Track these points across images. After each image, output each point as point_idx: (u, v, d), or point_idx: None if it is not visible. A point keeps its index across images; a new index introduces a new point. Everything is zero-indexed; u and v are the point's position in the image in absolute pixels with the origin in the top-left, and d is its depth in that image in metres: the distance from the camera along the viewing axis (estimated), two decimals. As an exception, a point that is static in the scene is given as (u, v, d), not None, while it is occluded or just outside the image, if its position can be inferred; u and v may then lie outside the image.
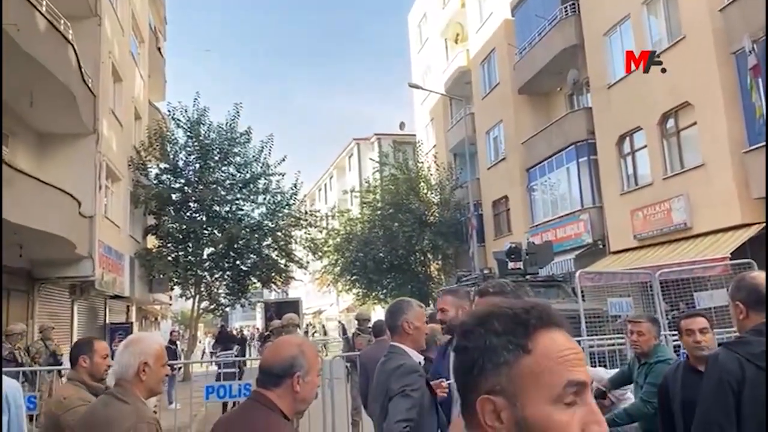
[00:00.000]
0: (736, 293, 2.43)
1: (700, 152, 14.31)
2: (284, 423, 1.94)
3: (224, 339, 14.63)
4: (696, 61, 14.09)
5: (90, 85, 13.96)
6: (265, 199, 21.58)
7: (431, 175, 27.61)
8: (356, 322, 10.25)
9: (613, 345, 8.30)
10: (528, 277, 13.87)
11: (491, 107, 24.68)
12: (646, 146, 16.17)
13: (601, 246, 17.84)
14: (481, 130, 25.50)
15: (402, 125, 43.71)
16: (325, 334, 38.12)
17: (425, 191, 26.98)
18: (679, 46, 14.79)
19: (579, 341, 8.28)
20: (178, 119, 20.81)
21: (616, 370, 4.98)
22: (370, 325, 9.55)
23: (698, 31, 14.14)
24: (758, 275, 2.44)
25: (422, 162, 28.35)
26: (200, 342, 32.15)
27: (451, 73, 28.27)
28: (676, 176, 15.06)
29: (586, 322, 8.83)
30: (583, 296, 10.22)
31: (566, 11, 19.25)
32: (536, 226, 20.90)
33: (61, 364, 10.13)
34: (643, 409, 4.05)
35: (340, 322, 39.54)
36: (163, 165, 20.99)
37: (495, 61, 24.52)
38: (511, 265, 13.87)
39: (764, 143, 12.01)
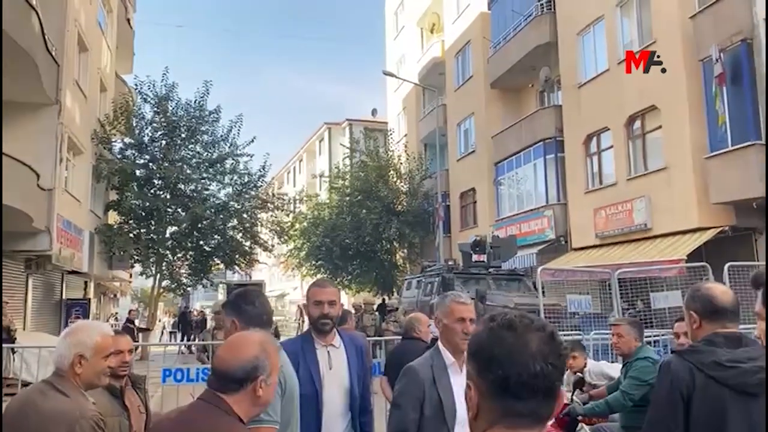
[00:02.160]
0: (691, 303, 2.49)
1: (663, 156, 14.66)
2: (236, 426, 1.73)
3: (185, 325, 14.46)
4: (665, 66, 14.37)
5: (54, 54, 13.48)
6: (231, 179, 21.30)
7: (401, 164, 27.64)
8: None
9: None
10: (491, 270, 14.09)
11: (463, 99, 24.78)
12: (612, 147, 16.48)
13: (563, 242, 18.17)
14: (453, 122, 25.60)
15: (374, 112, 43.57)
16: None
17: (394, 180, 27.02)
18: (650, 51, 15.04)
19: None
20: (146, 94, 20.32)
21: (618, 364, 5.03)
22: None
23: (668, 37, 14.42)
24: (713, 287, 2.51)
25: (393, 150, 28.34)
26: (159, 321, 31.69)
27: (426, 63, 28.26)
28: (640, 178, 15.40)
29: (545, 317, 9.00)
30: (543, 291, 10.43)
31: (542, 8, 19.39)
32: (501, 219, 21.16)
33: (14, 341, 9.87)
34: (621, 401, 4.21)
35: (299, 306, 39.45)
36: (127, 140, 20.49)
37: (470, 54, 24.59)
38: (475, 257, 14.06)
39: (726, 149, 12.40)
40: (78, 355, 2.32)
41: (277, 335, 9.73)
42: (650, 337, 7.97)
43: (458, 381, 2.56)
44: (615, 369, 5.10)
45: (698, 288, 2.53)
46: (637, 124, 15.82)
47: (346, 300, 35.91)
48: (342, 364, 3.03)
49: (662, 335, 8.45)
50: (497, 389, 1.11)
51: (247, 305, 2.50)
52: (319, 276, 29.32)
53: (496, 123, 22.04)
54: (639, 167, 15.68)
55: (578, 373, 5.18)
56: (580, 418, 4.55)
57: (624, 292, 10.17)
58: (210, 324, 17.98)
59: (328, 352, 3.01)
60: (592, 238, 16.72)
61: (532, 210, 19.50)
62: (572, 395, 4.90)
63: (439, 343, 2.72)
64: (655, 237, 14.62)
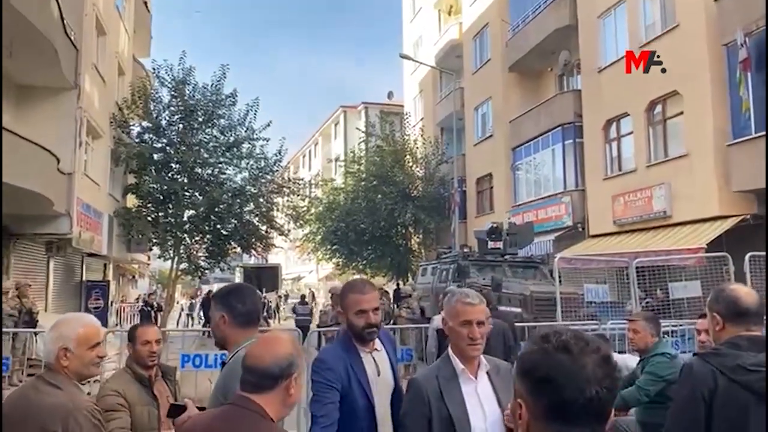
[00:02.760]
0: (714, 304, 2.45)
1: (684, 142, 14.42)
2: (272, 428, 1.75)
3: (207, 308, 14.57)
4: (687, 50, 14.08)
5: (72, 38, 13.55)
6: (248, 164, 21.33)
7: (417, 148, 27.50)
8: (331, 295, 10.23)
9: (587, 331, 8.42)
10: (507, 257, 14.02)
11: (481, 83, 24.52)
12: (632, 132, 16.24)
13: (580, 229, 18.03)
14: (470, 106, 25.37)
15: (390, 95, 43.34)
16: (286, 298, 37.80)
17: (410, 164, 26.90)
18: (672, 34, 14.76)
19: (553, 325, 8.44)
20: (163, 77, 20.35)
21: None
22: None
23: (692, 20, 14.10)
24: (737, 288, 2.47)
25: (409, 134, 28.19)
26: (177, 302, 32.08)
27: (443, 46, 27.96)
28: (660, 164, 15.18)
29: (561, 305, 8.97)
30: (560, 279, 10.37)
31: (562, -10, 19.04)
32: (518, 205, 21.02)
33: (36, 323, 10.07)
34: (636, 396, 4.20)
35: (310, 289, 39.71)
36: (145, 123, 20.57)
37: (487, 37, 24.27)
38: (491, 244, 14.00)
39: (749, 137, 12.15)
40: (62, 348, 2.33)
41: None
42: (668, 327, 7.92)
43: (470, 390, 2.35)
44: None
45: (722, 289, 2.49)
46: (658, 109, 15.55)
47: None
48: (387, 367, 2.82)
49: (680, 326, 8.39)
50: (551, 413, 1.09)
51: (238, 303, 2.53)
52: (334, 260, 29.47)
53: (514, 107, 21.81)
54: (659, 154, 15.45)
55: None
56: None
57: (642, 281, 10.08)
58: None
59: (374, 358, 2.77)
60: (610, 225, 16.56)
61: (549, 196, 19.34)
62: None
63: (450, 348, 2.46)
64: (675, 225, 14.44)
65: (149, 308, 16.88)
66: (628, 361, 5.11)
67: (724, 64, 13.01)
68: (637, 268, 9.74)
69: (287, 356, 1.81)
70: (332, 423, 2.49)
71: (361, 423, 2.62)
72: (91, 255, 18.17)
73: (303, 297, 21.63)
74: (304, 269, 47.17)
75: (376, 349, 2.80)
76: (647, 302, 10.27)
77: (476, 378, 2.38)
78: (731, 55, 12.62)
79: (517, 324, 7.31)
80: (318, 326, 9.10)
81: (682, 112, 14.55)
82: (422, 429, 2.29)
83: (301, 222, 24.68)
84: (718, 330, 2.43)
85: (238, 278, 37.16)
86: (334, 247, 28.18)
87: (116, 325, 19.37)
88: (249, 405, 1.75)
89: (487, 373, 2.41)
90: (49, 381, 2.30)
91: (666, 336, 7.23)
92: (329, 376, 2.58)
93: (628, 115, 16.25)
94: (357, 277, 33.14)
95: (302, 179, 26.68)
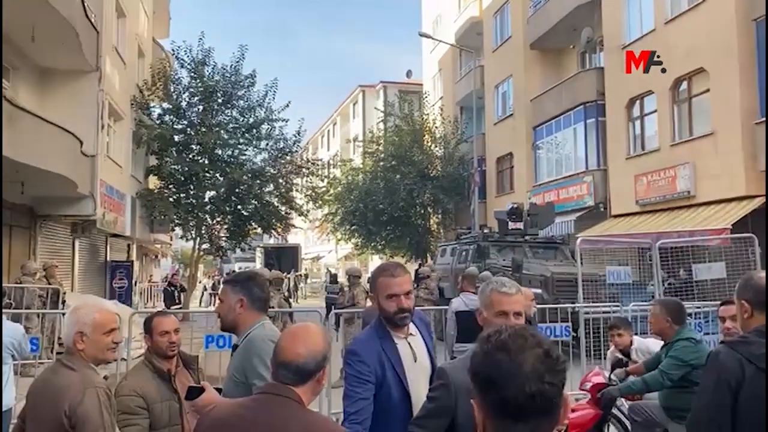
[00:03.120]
0: (743, 292, 2.42)
1: (711, 120, 14.11)
2: (324, 419, 1.83)
3: None
4: (715, 26, 13.71)
5: (93, 21, 13.60)
6: (267, 144, 21.41)
7: (436, 127, 27.32)
8: (348, 276, 10.21)
9: (608, 312, 8.38)
10: (527, 237, 13.94)
11: (501, 61, 24.18)
12: (656, 111, 15.94)
13: (602, 209, 17.84)
14: (490, 84, 25.07)
15: (409, 73, 43.01)
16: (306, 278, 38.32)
17: (429, 144, 26.76)
18: (699, 9, 14.36)
19: (575, 306, 8.39)
20: (182, 59, 20.41)
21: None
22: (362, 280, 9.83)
23: (720, -6, 13.70)
24: (765, 275, 2.43)
25: (428, 114, 27.99)
26: (200, 282, 32.56)
27: (463, 23, 27.58)
28: (684, 143, 14.90)
29: (583, 287, 8.89)
30: (581, 260, 10.28)
31: (585, -35, 18.59)
32: (539, 185, 20.83)
33: (63, 303, 10.29)
34: (659, 379, 4.17)
35: (328, 269, 39.98)
36: (166, 105, 20.70)
37: (508, 13, 23.87)
38: (511, 225, 13.91)
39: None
40: (78, 333, 2.42)
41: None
42: (691, 309, 7.83)
43: None
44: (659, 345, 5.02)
45: (750, 276, 2.45)
46: (684, 87, 15.22)
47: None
48: (423, 351, 2.68)
49: (704, 308, 8.29)
50: (496, 410, 1.12)
51: (256, 288, 2.65)
52: (353, 241, 29.56)
53: (535, 85, 21.50)
54: (684, 132, 15.15)
55: (620, 353, 5.12)
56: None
57: (665, 262, 9.95)
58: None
59: (409, 343, 2.63)
60: (632, 205, 16.36)
61: (571, 176, 19.13)
62: (610, 374, 4.86)
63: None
64: (699, 205, 14.22)
65: (173, 288, 17.12)
66: (650, 345, 5.08)
67: (753, 40, 12.65)
68: (660, 248, 9.61)
69: (322, 351, 1.87)
70: (364, 419, 2.38)
71: (397, 412, 2.49)
72: (114, 236, 18.46)
73: (335, 276, 21.95)
74: (323, 249, 47.45)
75: (411, 333, 2.65)
76: (670, 283, 10.15)
77: None
78: (760, 30, 12.26)
79: (537, 306, 7.28)
80: (335, 307, 9.12)
81: (708, 90, 14.22)
82: (443, 421, 2.16)
83: (320, 202, 24.78)
84: (746, 318, 2.40)
85: (258, 258, 37.59)
86: (353, 227, 28.27)
87: (144, 305, 19.75)
88: (290, 394, 1.79)
89: None
90: (66, 363, 2.42)
91: (689, 317, 7.15)
92: (362, 369, 2.46)
93: (653, 93, 15.93)
94: (376, 257, 33.36)
95: (321, 160, 26.73)
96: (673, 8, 15.36)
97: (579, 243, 9.59)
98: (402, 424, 2.39)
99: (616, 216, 17.01)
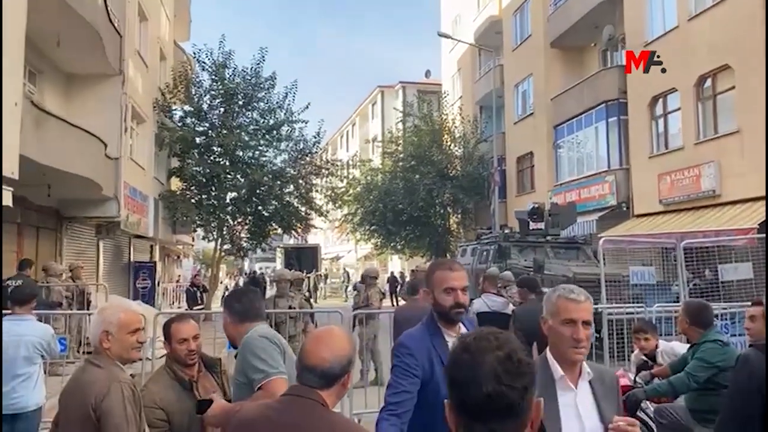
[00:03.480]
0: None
1: (736, 118, 13.86)
2: (348, 422, 1.88)
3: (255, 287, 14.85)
4: (740, 20, 13.46)
5: (116, 25, 13.81)
6: (287, 146, 21.54)
7: (455, 127, 27.22)
8: (362, 278, 10.22)
9: (632, 313, 8.28)
10: (549, 237, 13.83)
11: (521, 60, 24.03)
12: (679, 109, 15.70)
13: (624, 208, 17.62)
14: (510, 83, 24.92)
15: (428, 73, 42.92)
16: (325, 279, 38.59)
17: (448, 144, 26.68)
18: (724, 5, 14.12)
19: (597, 308, 8.30)
20: (203, 62, 20.62)
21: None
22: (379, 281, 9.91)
23: (746, -10, 13.45)
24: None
25: (447, 114, 27.91)
26: (221, 282, 32.87)
27: (482, 22, 27.45)
28: (709, 141, 14.66)
29: (606, 287, 8.79)
30: (604, 260, 10.16)
31: (606, -38, 18.40)
32: (560, 184, 20.65)
33: (90, 303, 10.47)
34: (686, 382, 4.10)
35: (345, 269, 40.15)
36: (187, 108, 20.93)
37: (528, 12, 23.71)
38: (532, 225, 13.82)
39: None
40: (104, 332, 2.50)
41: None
42: (717, 310, 7.70)
43: (568, 401, 2.04)
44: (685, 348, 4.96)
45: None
46: (708, 84, 14.97)
47: (399, 265, 36.23)
48: None
49: (730, 309, 8.15)
50: (460, 409, 1.15)
51: (234, 302, 2.83)
52: (372, 241, 29.60)
53: (556, 84, 21.32)
54: (709, 130, 14.91)
55: (645, 356, 5.05)
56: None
57: (689, 262, 9.79)
58: (270, 291, 18.35)
59: (449, 342, 2.55)
60: (655, 204, 16.13)
61: (592, 175, 18.93)
62: (635, 377, 4.80)
63: (548, 351, 2.14)
64: (724, 204, 13.97)
65: (195, 288, 17.28)
66: (676, 347, 5.01)
67: (780, 36, 12.38)
68: (684, 248, 9.46)
69: (348, 356, 1.89)
70: (404, 412, 2.35)
71: (443, 412, 2.49)
72: (138, 237, 18.71)
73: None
74: (343, 249, 47.58)
75: (460, 332, 2.58)
76: (695, 284, 9.99)
77: (576, 387, 2.08)
78: (788, 25, 12.01)
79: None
80: (353, 308, 9.11)
81: (733, 87, 13.97)
82: None
83: (340, 203, 24.86)
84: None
85: (278, 258, 37.80)
86: (372, 227, 28.30)
87: (170, 305, 19.96)
88: (315, 396, 1.81)
89: (590, 382, 2.10)
90: (93, 361, 2.52)
91: (715, 319, 7.03)
92: (410, 361, 2.43)
93: (676, 90, 15.70)
94: (395, 257, 33.30)
95: (340, 160, 26.78)
96: (697, 4, 15.12)
97: (602, 243, 9.47)
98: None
99: (639, 216, 16.80)
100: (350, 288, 22.42)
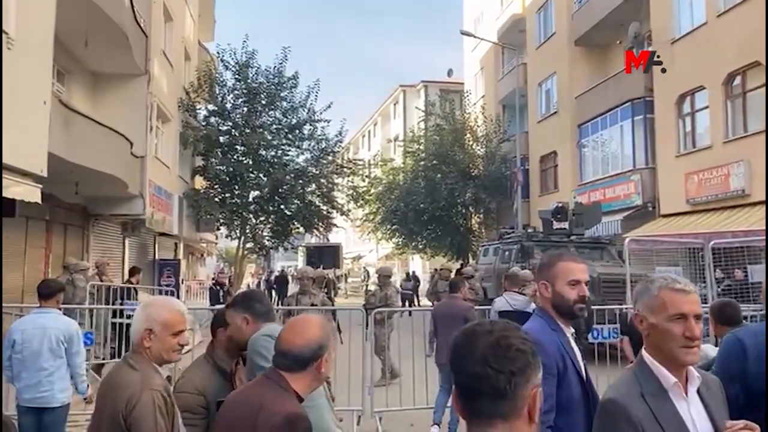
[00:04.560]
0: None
1: (766, 116, 13.54)
2: (292, 401, 1.90)
3: (281, 287, 14.85)
4: (772, 16, 13.14)
5: (142, 25, 14.00)
6: (310, 145, 21.66)
7: (478, 126, 27.07)
8: (377, 276, 10.18)
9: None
10: (573, 237, 13.68)
11: (545, 58, 23.80)
12: (707, 107, 15.40)
13: (650, 208, 17.34)
14: (533, 82, 24.70)
15: (450, 72, 42.73)
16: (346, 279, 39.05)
17: (471, 143, 26.54)
18: (754, 1, 13.80)
19: (623, 308, 8.17)
20: (227, 61, 20.82)
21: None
22: (393, 279, 9.93)
23: (777, -16, 13.12)
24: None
25: (469, 113, 27.76)
26: (245, 281, 33.09)
27: (505, 21, 27.27)
28: (738, 140, 14.35)
29: (631, 288, 8.65)
30: (629, 260, 10.00)
31: (633, -42, 18.12)
32: (584, 184, 20.41)
33: (124, 298, 10.60)
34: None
35: (365, 268, 40.27)
36: (211, 107, 21.16)
37: (552, 10, 23.48)
38: (556, 224, 13.68)
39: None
40: (147, 330, 2.36)
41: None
42: (747, 311, 7.52)
43: (683, 411, 1.73)
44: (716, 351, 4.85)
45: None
46: (737, 81, 14.65)
47: (420, 264, 36.16)
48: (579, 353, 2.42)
49: (760, 311, 7.95)
50: (457, 391, 1.24)
51: (256, 303, 2.77)
52: (394, 240, 29.59)
53: (580, 82, 21.07)
54: (738, 129, 14.59)
55: None
56: None
57: (717, 263, 9.60)
58: (292, 288, 18.42)
59: (571, 339, 2.42)
60: (682, 204, 15.84)
61: (617, 174, 18.67)
62: None
63: (644, 354, 1.81)
64: (754, 204, 13.65)
65: (218, 287, 17.39)
66: (708, 350, 4.89)
67: (813, 31, 12.08)
68: (713, 249, 9.27)
69: (317, 339, 1.98)
70: (553, 417, 2.18)
71: (576, 413, 2.25)
72: (162, 234, 18.94)
73: (408, 274, 22.33)
74: (364, 248, 47.64)
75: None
76: (727, 285, 9.77)
77: (687, 394, 1.76)
78: (822, 20, 11.70)
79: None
80: (364, 306, 9.08)
81: (763, 84, 13.65)
82: None
83: (362, 202, 24.90)
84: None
85: (300, 257, 38.02)
86: (394, 226, 28.28)
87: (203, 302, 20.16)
88: (276, 378, 1.94)
89: (698, 389, 1.80)
90: (129, 362, 2.38)
91: (745, 321, 6.86)
92: (548, 361, 2.17)
93: (704, 88, 15.40)
94: (416, 256, 33.20)
95: (362, 160, 26.84)
96: (726, 0, 14.81)
97: (627, 243, 9.32)
98: (583, 423, 2.23)
99: (665, 216, 16.51)
100: (370, 287, 22.66)
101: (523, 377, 1.19)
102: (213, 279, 18.93)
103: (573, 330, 2.44)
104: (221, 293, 16.68)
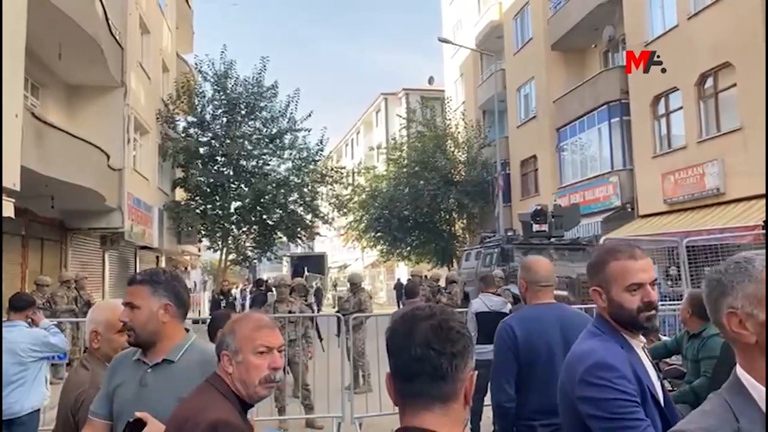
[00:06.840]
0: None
1: (738, 116, 13.79)
2: (222, 405, 1.72)
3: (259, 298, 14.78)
4: (741, 18, 13.42)
5: (117, 38, 13.94)
6: (291, 154, 21.65)
7: (459, 132, 27.23)
8: (349, 284, 10.05)
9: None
10: (553, 239, 13.77)
11: (523, 63, 24.03)
12: (681, 108, 15.64)
13: (629, 209, 17.53)
14: (512, 87, 24.92)
15: (431, 80, 42.96)
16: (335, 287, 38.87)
17: (452, 149, 26.68)
18: (724, 3, 14.08)
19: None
20: (206, 72, 20.78)
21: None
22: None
23: (745, -13, 13.41)
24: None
25: (450, 119, 27.92)
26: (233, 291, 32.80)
27: (483, 27, 27.51)
28: (712, 140, 14.58)
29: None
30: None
31: (605, -37, 18.40)
32: (564, 187, 20.59)
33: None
34: (706, 384, 3.87)
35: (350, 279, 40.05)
36: (190, 118, 21.08)
37: (528, 15, 23.74)
38: (535, 227, 13.77)
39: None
40: (93, 331, 2.49)
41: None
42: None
43: None
44: None
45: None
46: (710, 82, 14.91)
47: (406, 271, 36.14)
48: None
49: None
50: (394, 375, 1.25)
51: (182, 289, 2.18)
52: (378, 248, 29.55)
53: (558, 87, 21.30)
54: (711, 129, 14.83)
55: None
56: None
57: (693, 261, 9.71)
58: (270, 297, 18.32)
59: (645, 353, 1.93)
60: (660, 204, 16.05)
61: (596, 176, 18.87)
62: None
63: (740, 372, 1.21)
64: (729, 202, 13.87)
65: (221, 297, 17.24)
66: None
67: (780, 32, 12.34)
68: (688, 247, 9.39)
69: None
70: None
71: None
72: (143, 248, 18.78)
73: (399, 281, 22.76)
74: (350, 257, 47.55)
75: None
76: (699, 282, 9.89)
77: None
78: (788, 21, 11.96)
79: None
80: (338, 312, 9.05)
81: (735, 84, 13.91)
82: None
83: (345, 210, 24.89)
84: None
85: (285, 267, 37.85)
86: (378, 234, 28.29)
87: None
88: (212, 379, 1.81)
89: None
90: (83, 362, 2.53)
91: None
92: (627, 387, 1.72)
93: (677, 89, 15.65)
94: (401, 263, 33.19)
95: (344, 168, 26.86)
96: (697, 3, 15.09)
97: (604, 243, 9.40)
98: None
99: (643, 216, 16.70)
100: (341, 289, 22.72)
101: (463, 360, 1.22)
102: (215, 293, 18.56)
103: (644, 341, 1.95)
104: (222, 303, 16.41)
